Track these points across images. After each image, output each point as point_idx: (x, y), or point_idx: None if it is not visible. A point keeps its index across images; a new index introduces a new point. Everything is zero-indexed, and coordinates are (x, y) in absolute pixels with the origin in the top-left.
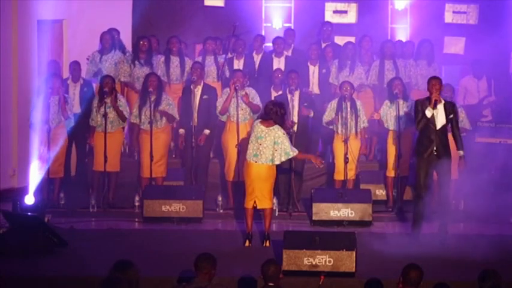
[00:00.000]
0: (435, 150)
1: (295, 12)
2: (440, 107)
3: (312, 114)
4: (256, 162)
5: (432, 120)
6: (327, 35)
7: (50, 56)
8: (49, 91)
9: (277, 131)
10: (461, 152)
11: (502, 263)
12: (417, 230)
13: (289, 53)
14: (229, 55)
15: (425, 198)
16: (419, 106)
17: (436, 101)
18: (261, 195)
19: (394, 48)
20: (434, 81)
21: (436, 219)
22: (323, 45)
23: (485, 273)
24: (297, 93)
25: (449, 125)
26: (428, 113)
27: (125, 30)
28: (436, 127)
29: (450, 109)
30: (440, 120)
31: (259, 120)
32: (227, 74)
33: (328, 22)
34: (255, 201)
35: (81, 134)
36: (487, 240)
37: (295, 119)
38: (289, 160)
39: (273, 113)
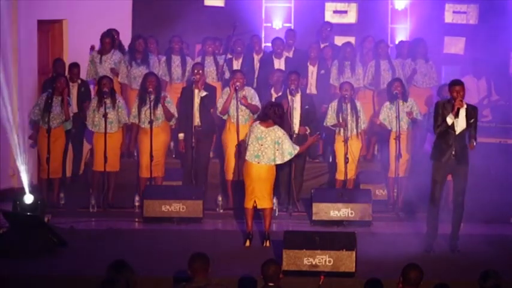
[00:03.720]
0: (453, 155)
1: (295, 12)
2: (462, 111)
3: (308, 131)
4: (258, 163)
5: (452, 125)
6: (325, 35)
7: (51, 56)
8: (51, 91)
9: (277, 131)
10: (473, 141)
11: (503, 263)
12: (432, 237)
13: (290, 54)
14: (229, 55)
15: (440, 203)
16: (440, 109)
17: (458, 108)
18: (261, 195)
19: (387, 48)
20: (458, 87)
21: (447, 222)
22: (322, 45)
23: (486, 274)
24: (298, 95)
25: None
26: (449, 120)
27: (125, 30)
28: (455, 132)
29: (472, 113)
30: (461, 125)
31: (258, 121)
32: (227, 74)
33: (327, 22)
34: (255, 201)
35: (77, 134)
36: (488, 240)
37: (297, 121)
38: (290, 160)
39: (272, 114)
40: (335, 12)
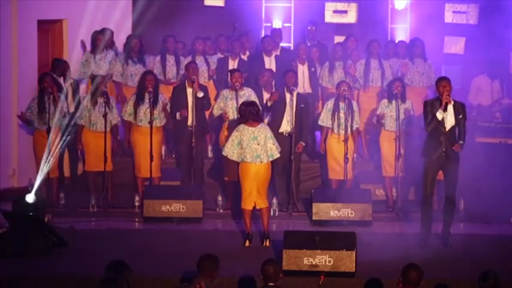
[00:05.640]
0: (444, 152)
1: (295, 12)
2: (450, 108)
3: (304, 145)
4: (261, 162)
5: (442, 122)
6: (311, 35)
7: (51, 56)
8: (45, 91)
9: (265, 128)
10: (461, 142)
11: (502, 263)
12: (427, 232)
13: (278, 52)
14: (220, 55)
15: (432, 199)
16: (429, 107)
17: (446, 103)
18: (259, 195)
19: (379, 47)
20: (444, 83)
21: (439, 219)
22: (309, 44)
23: (485, 274)
24: (294, 93)
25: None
26: (439, 115)
27: (125, 30)
28: (445, 129)
29: (460, 109)
30: (450, 122)
31: (242, 124)
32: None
33: (311, 21)
34: (255, 202)
35: (73, 134)
36: (487, 240)
37: (291, 119)
38: (289, 160)
39: (250, 113)
40: (335, 12)
